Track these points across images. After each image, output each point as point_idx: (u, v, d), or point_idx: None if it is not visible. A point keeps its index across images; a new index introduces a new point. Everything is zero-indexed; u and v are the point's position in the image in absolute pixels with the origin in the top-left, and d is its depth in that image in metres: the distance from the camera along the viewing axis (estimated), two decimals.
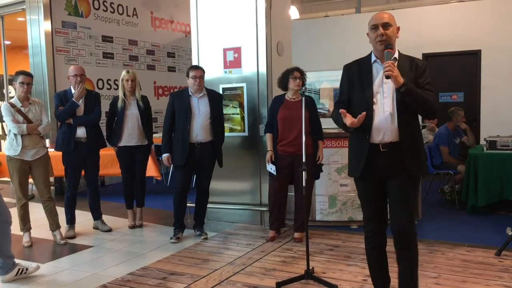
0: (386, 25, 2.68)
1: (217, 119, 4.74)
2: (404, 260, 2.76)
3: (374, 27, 2.70)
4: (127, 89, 5.08)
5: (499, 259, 3.93)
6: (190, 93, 4.66)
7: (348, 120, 2.62)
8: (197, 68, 4.71)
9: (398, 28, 2.75)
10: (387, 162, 2.67)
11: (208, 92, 4.75)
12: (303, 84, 4.57)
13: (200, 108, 4.65)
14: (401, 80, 2.54)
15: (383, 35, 2.66)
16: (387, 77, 2.55)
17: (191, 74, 4.62)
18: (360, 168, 2.74)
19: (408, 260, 2.75)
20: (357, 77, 2.78)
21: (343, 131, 5.30)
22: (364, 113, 2.59)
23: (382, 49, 2.65)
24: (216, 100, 4.78)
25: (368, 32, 2.77)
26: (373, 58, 2.76)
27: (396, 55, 2.71)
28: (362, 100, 2.72)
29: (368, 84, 2.71)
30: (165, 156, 4.71)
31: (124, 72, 5.13)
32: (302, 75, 4.52)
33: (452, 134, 6.36)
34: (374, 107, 2.67)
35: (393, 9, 9.33)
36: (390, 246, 2.88)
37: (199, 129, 4.61)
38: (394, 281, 3.00)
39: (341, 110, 2.65)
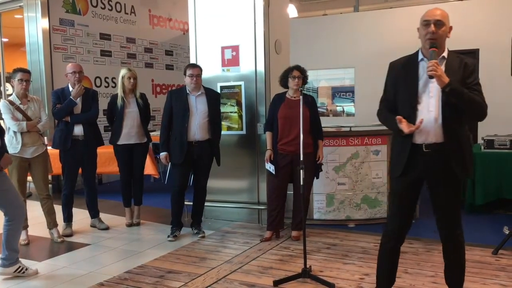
0: (438, 23, 2.60)
1: (214, 118, 4.74)
2: (454, 260, 2.79)
3: (426, 23, 2.62)
4: (128, 87, 5.07)
5: (496, 258, 3.94)
6: (188, 92, 4.66)
7: (406, 128, 2.56)
8: (194, 66, 4.70)
9: (451, 28, 2.68)
10: (430, 163, 2.64)
11: (206, 90, 4.74)
12: (304, 83, 4.56)
13: (198, 107, 4.64)
14: (446, 80, 2.48)
15: (434, 33, 2.58)
16: (431, 77, 2.50)
17: (188, 72, 4.61)
18: (400, 168, 2.69)
19: (458, 260, 2.78)
20: (402, 75, 2.72)
21: (341, 130, 5.32)
22: (421, 119, 2.55)
23: (429, 48, 2.58)
24: (214, 99, 4.77)
25: (418, 27, 2.70)
26: (420, 56, 2.69)
27: (445, 54, 2.65)
28: (406, 99, 2.66)
29: (413, 83, 2.64)
30: (162, 154, 4.71)
31: (125, 70, 5.11)
32: (302, 73, 4.51)
33: None
34: (419, 106, 2.62)
35: (391, 8, 9.35)
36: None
37: (197, 128, 4.60)
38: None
39: (397, 117, 2.59)
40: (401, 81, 2.71)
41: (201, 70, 4.69)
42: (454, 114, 2.59)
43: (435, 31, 2.57)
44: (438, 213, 2.76)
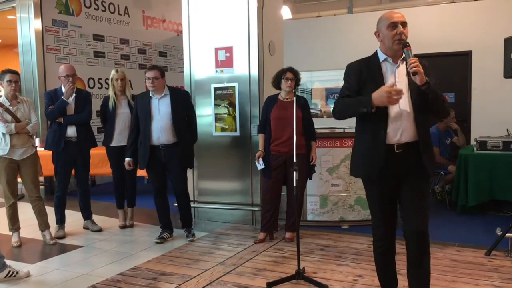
0: (405, 24, 2.62)
1: (182, 119, 4.59)
2: (422, 260, 2.70)
3: (393, 25, 2.61)
4: (118, 88, 5.04)
5: (488, 259, 3.95)
6: (151, 95, 4.56)
7: (389, 86, 2.49)
8: (151, 69, 4.55)
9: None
10: (403, 163, 2.63)
11: (171, 91, 4.61)
12: (297, 85, 4.56)
13: (161, 109, 4.52)
14: (425, 77, 2.50)
15: (402, 34, 2.59)
16: (414, 73, 2.48)
17: (146, 75, 4.51)
18: (376, 169, 2.65)
19: (426, 260, 2.71)
20: (366, 75, 2.68)
21: (335, 132, 5.31)
22: (393, 83, 2.52)
23: (400, 48, 2.59)
24: (180, 99, 4.61)
25: (378, 31, 2.68)
26: (382, 56, 2.69)
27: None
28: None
29: (380, 83, 2.62)
30: (126, 160, 4.69)
31: (113, 72, 5.10)
32: (295, 75, 4.51)
33: (442, 134, 6.39)
34: (390, 106, 2.60)
35: (384, 10, 9.35)
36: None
37: (160, 131, 4.49)
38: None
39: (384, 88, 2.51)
40: (367, 81, 2.67)
41: (160, 72, 4.52)
42: (424, 113, 2.63)
43: (403, 31, 2.61)
44: (409, 215, 2.70)
